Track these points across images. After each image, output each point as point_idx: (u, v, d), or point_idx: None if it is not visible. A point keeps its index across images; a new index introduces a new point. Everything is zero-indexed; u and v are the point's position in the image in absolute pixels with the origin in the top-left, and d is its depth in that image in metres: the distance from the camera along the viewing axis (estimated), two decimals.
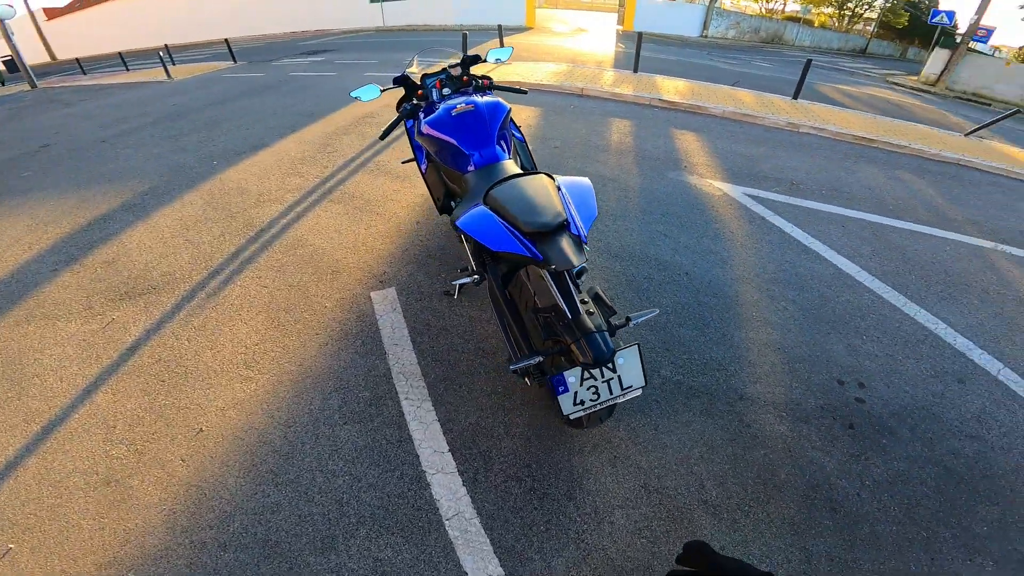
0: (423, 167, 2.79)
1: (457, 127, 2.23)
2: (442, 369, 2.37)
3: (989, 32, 17.38)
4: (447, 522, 1.72)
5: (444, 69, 2.70)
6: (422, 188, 4.24)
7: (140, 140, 6.24)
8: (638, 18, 22.53)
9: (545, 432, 2.04)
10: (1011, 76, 15.22)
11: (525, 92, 3.03)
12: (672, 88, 8.36)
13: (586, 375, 1.52)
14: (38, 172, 5.32)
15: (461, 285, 2.62)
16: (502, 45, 12.12)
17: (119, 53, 16.86)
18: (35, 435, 2.07)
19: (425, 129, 2.35)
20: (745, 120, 7.03)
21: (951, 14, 18.48)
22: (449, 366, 2.39)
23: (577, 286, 1.65)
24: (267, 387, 2.29)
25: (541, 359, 1.55)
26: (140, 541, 1.65)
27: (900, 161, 5.95)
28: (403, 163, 3.45)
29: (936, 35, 19.25)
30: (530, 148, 3.07)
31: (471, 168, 2.17)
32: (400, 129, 2.94)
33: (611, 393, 1.56)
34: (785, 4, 34.29)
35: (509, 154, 2.34)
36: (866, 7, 31.47)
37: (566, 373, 1.50)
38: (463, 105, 2.31)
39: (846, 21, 32.20)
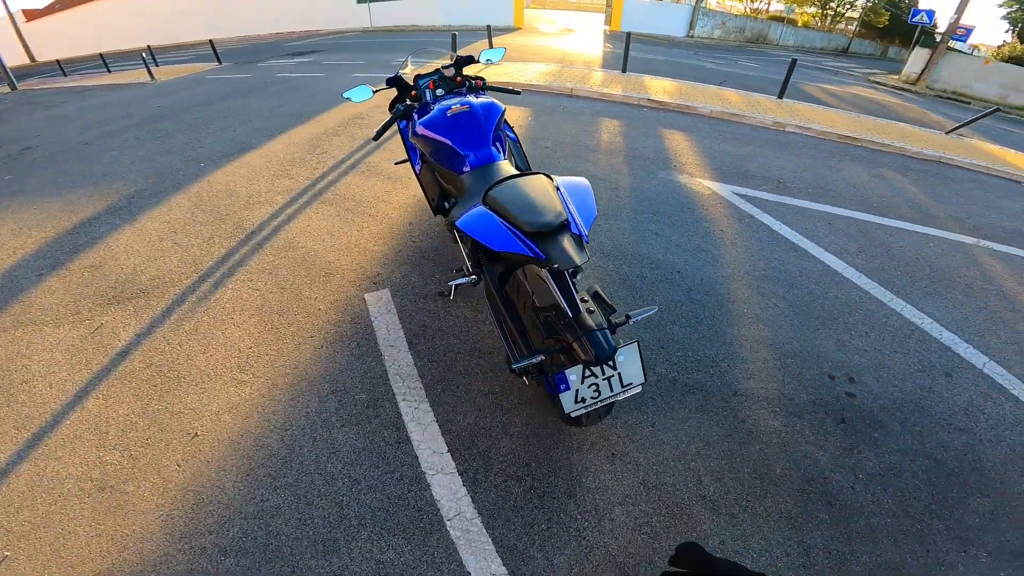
0: (417, 168, 2.79)
1: (452, 128, 2.24)
2: (439, 370, 2.37)
3: (968, 31, 17.77)
4: (448, 522, 1.72)
5: (437, 70, 2.69)
6: (414, 189, 4.23)
7: (124, 142, 6.14)
8: (625, 18, 22.66)
9: (543, 431, 2.06)
10: (989, 75, 15.57)
11: (519, 93, 3.04)
12: (660, 88, 8.43)
13: (587, 373, 1.53)
14: (20, 175, 5.22)
15: (457, 286, 2.63)
16: (491, 46, 12.16)
17: (100, 54, 16.59)
18: (26, 441, 2.04)
19: (420, 130, 2.35)
20: (732, 119, 7.10)
21: (931, 13, 18.83)
22: (446, 367, 2.39)
23: (575, 285, 1.66)
24: (262, 391, 2.27)
25: (543, 357, 1.56)
26: (138, 547, 1.64)
27: (883, 159, 6.06)
28: (396, 164, 3.44)
29: (916, 34, 19.60)
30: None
31: (467, 169, 2.18)
32: (392, 130, 2.93)
33: (611, 390, 1.58)
34: (769, 4, 34.72)
35: (504, 155, 2.35)
36: (848, 6, 32.00)
37: (567, 371, 1.51)
38: (458, 106, 2.31)
39: (829, 21, 32.70)
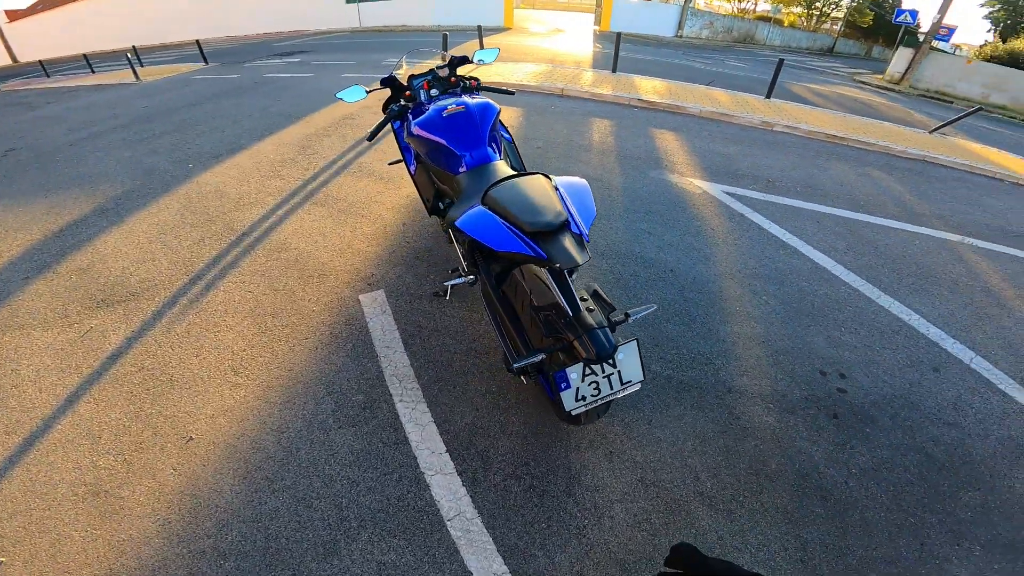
0: (412, 168, 2.78)
1: (448, 128, 2.24)
2: (435, 370, 2.37)
3: (951, 31, 18.09)
4: (449, 523, 1.72)
5: (431, 70, 2.69)
6: (407, 189, 4.22)
7: (110, 143, 6.05)
8: (615, 18, 22.77)
9: (541, 429, 2.06)
10: (972, 74, 15.83)
11: (513, 93, 3.04)
12: (650, 88, 8.48)
13: (587, 371, 1.54)
14: (3, 178, 5.12)
15: (453, 286, 2.63)
16: (482, 46, 12.15)
17: (84, 55, 16.30)
18: (17, 447, 2.00)
19: (416, 130, 2.34)
20: (722, 119, 7.17)
21: (914, 13, 19.12)
22: (442, 367, 2.39)
23: (573, 284, 1.67)
24: (257, 393, 2.25)
25: (544, 356, 1.57)
26: (136, 552, 1.62)
27: (869, 158, 6.15)
28: (390, 164, 3.43)
29: (900, 34, 19.87)
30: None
31: (463, 169, 2.18)
32: (385, 130, 2.92)
33: (611, 388, 1.59)
34: (756, 4, 35.03)
35: (499, 155, 2.36)
36: (833, 6, 32.38)
37: (568, 369, 1.52)
38: (454, 106, 2.31)
39: (814, 21, 33.06)
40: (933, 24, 15.63)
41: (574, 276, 1.94)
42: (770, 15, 32.17)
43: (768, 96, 8.56)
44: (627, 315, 1.69)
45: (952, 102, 14.46)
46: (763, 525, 1.76)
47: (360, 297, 2.87)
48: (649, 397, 2.25)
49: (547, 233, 1.49)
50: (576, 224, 1.57)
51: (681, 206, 4.18)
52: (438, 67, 2.69)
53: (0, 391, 2.29)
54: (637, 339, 1.61)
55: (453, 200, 2.24)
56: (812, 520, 1.79)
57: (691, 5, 25.36)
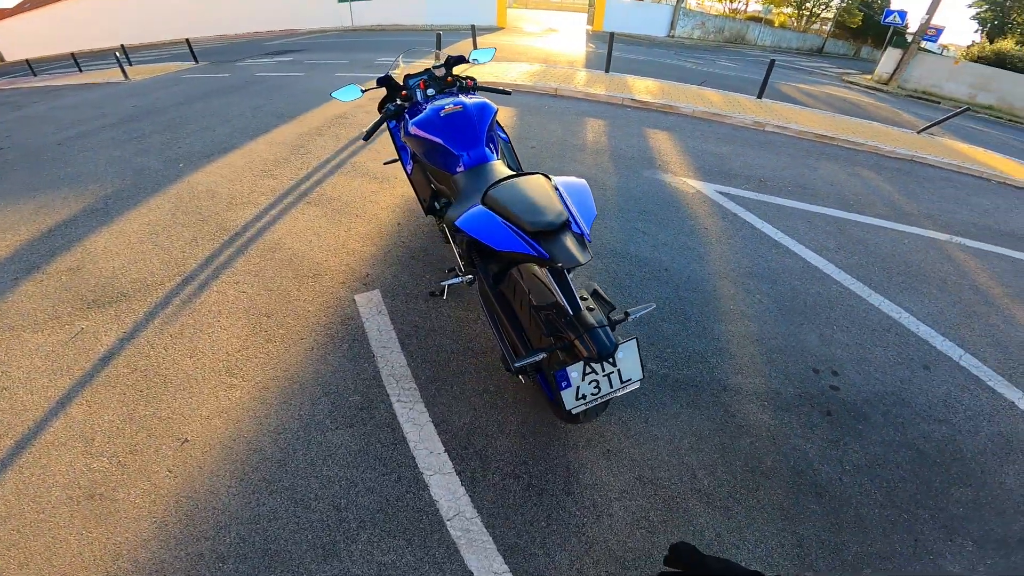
0: (408, 168, 2.78)
1: (446, 128, 2.23)
2: (432, 370, 2.37)
3: (939, 31, 18.29)
4: (448, 522, 1.72)
5: (427, 69, 2.69)
6: (402, 189, 4.22)
7: (99, 143, 5.98)
8: (607, 18, 22.84)
9: (539, 428, 2.07)
10: (959, 74, 16.03)
11: (509, 93, 3.05)
12: (643, 88, 8.51)
13: (588, 370, 1.55)
14: None
15: (450, 286, 2.62)
16: (476, 45, 12.13)
17: (71, 54, 16.10)
18: (9, 449, 1.98)
19: (412, 130, 2.34)
20: (714, 119, 7.21)
21: (903, 14, 19.29)
22: (439, 367, 2.38)
23: (572, 283, 1.67)
24: (253, 394, 2.24)
25: (544, 356, 1.58)
26: (132, 555, 1.60)
27: (858, 158, 6.22)
28: (385, 164, 3.42)
29: (888, 35, 20.07)
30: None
31: (460, 169, 2.18)
32: (380, 129, 2.91)
33: (611, 386, 1.60)
34: (747, 4, 35.26)
35: (497, 155, 2.36)
36: (823, 7, 32.66)
37: (569, 368, 1.53)
38: (451, 106, 2.31)
39: (804, 21, 33.33)
40: (921, 25, 15.81)
41: (571, 275, 1.95)
42: (761, 15, 32.41)
43: (759, 96, 8.62)
44: (627, 314, 1.70)
45: (939, 102, 14.65)
46: (760, 522, 1.78)
47: (356, 297, 2.86)
48: (646, 395, 2.27)
49: (548, 233, 1.50)
50: (577, 224, 1.57)
51: (675, 205, 4.20)
52: (434, 66, 2.69)
53: None
54: (636, 338, 1.62)
55: (450, 200, 2.24)
56: (807, 516, 1.81)
57: (683, 5, 25.49)
